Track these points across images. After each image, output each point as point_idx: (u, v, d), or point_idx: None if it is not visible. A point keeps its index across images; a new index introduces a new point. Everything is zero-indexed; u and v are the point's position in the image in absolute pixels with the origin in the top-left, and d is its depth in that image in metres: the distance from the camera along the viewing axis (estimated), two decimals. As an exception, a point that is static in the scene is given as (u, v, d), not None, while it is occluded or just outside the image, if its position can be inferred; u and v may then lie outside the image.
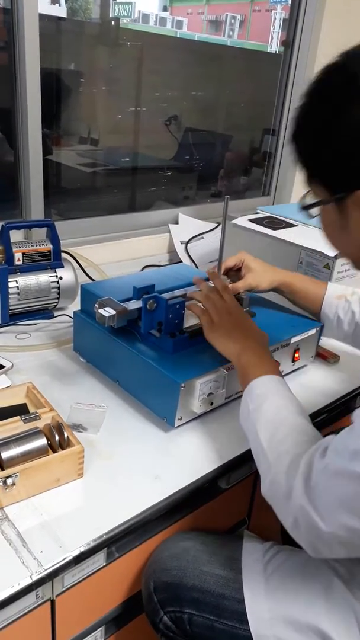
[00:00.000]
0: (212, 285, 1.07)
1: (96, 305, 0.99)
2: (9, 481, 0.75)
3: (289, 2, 2.07)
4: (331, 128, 0.67)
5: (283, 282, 1.19)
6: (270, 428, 0.79)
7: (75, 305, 1.22)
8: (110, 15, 2.00)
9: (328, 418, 1.10)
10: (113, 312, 0.98)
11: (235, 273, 1.21)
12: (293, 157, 0.74)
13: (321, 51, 2.05)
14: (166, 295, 1.03)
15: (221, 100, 2.34)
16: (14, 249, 1.25)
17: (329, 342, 1.34)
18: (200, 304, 1.03)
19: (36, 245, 1.29)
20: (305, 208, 0.76)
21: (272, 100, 2.23)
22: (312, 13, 2.00)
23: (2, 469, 0.77)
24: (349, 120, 0.65)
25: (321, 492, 0.66)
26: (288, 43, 2.08)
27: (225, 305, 1.01)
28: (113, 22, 1.98)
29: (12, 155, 1.54)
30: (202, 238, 1.85)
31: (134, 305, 1.01)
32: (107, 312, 0.98)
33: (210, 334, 0.98)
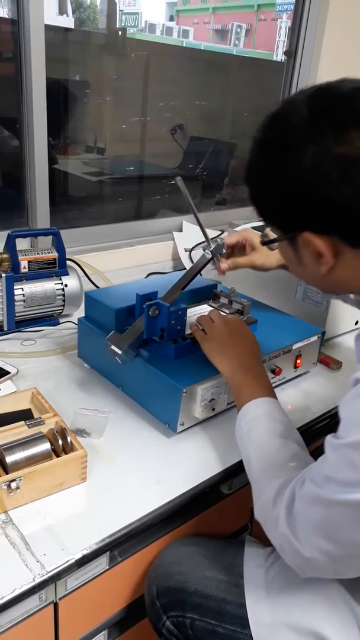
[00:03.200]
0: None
1: (108, 343, 1.00)
2: (13, 485, 0.77)
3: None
4: (273, 174, 0.71)
5: None
6: (262, 454, 0.82)
7: (80, 312, 1.24)
8: (117, 26, 2.03)
9: (329, 425, 1.11)
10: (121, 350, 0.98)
11: (238, 251, 1.19)
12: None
13: (323, 60, 2.06)
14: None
15: (226, 109, 2.36)
16: (20, 257, 1.27)
17: (331, 349, 1.34)
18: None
19: (42, 253, 1.31)
20: (264, 243, 0.81)
21: (276, 109, 2.24)
22: (314, 22, 2.01)
23: (7, 473, 0.79)
24: (288, 168, 0.69)
25: (300, 519, 0.68)
26: (291, 52, 2.09)
27: (223, 316, 1.03)
28: (120, 32, 2.01)
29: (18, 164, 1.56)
30: (206, 245, 1.86)
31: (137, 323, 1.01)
32: (118, 350, 0.98)
33: (206, 350, 0.99)
